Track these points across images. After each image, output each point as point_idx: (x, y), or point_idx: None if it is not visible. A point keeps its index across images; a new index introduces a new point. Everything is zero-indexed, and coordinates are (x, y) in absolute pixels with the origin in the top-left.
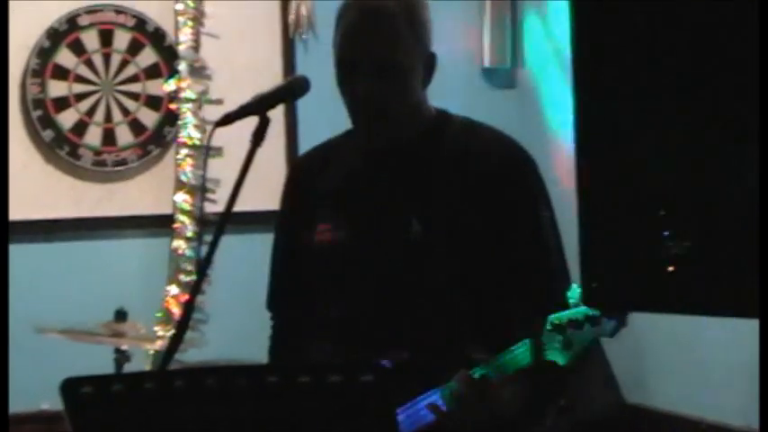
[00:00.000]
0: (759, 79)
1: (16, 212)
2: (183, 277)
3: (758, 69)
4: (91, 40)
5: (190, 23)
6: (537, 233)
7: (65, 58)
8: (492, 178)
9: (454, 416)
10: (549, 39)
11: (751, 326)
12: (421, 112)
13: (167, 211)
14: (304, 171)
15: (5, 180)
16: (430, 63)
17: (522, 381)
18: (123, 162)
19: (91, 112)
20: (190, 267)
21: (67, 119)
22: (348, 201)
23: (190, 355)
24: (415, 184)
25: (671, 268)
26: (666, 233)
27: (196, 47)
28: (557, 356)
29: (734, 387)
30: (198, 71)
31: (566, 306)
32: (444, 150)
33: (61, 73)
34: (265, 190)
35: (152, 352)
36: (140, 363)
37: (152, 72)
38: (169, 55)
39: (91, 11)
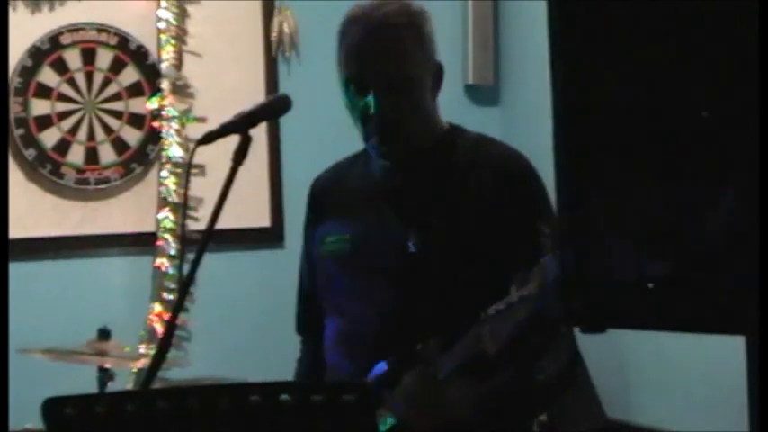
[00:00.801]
0: (759, 81)
1: None
2: (166, 295)
3: (757, 73)
4: (73, 58)
5: (172, 42)
6: (535, 249)
7: (47, 76)
8: (496, 192)
9: (408, 417)
10: (533, 56)
11: (736, 342)
12: (432, 124)
13: (150, 229)
14: (318, 192)
15: (5, 200)
16: (437, 74)
17: (470, 381)
18: (106, 180)
19: (73, 130)
20: (173, 285)
21: (50, 137)
22: (354, 213)
23: (173, 374)
24: (419, 196)
25: (652, 285)
26: (649, 249)
27: (179, 65)
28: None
29: (719, 403)
30: (181, 89)
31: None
32: (453, 164)
33: (43, 92)
34: (248, 208)
35: (135, 370)
36: (124, 381)
37: (135, 90)
38: (152, 73)
39: (73, 29)
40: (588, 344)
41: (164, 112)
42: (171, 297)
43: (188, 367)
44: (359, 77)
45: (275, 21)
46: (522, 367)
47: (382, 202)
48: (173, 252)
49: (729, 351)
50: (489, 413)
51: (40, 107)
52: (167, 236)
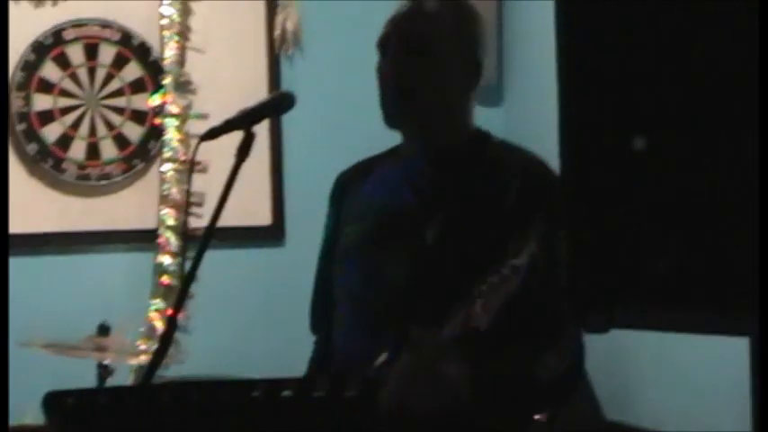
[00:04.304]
0: (759, 80)
1: None
2: (166, 292)
3: (756, 71)
4: (76, 53)
5: (175, 38)
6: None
7: (50, 71)
8: (517, 198)
9: (403, 401)
10: (537, 56)
11: (739, 343)
12: (460, 119)
13: (151, 225)
14: (342, 185)
15: (5, 197)
16: (473, 72)
17: (465, 362)
18: (107, 176)
19: (75, 125)
20: (174, 282)
21: (52, 132)
22: (376, 205)
23: (172, 371)
24: (442, 193)
25: (655, 285)
26: (651, 250)
27: (181, 61)
28: None
29: (721, 402)
30: (183, 86)
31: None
32: (478, 164)
33: (46, 86)
34: (249, 206)
35: (135, 366)
36: (123, 377)
37: (137, 86)
38: (154, 69)
39: (76, 25)
40: (588, 343)
41: (166, 109)
42: (171, 294)
43: (186, 364)
44: (382, 40)
45: (278, 18)
46: (521, 357)
47: (403, 196)
48: (174, 249)
49: (733, 352)
50: (486, 400)
51: (42, 102)
52: (168, 232)
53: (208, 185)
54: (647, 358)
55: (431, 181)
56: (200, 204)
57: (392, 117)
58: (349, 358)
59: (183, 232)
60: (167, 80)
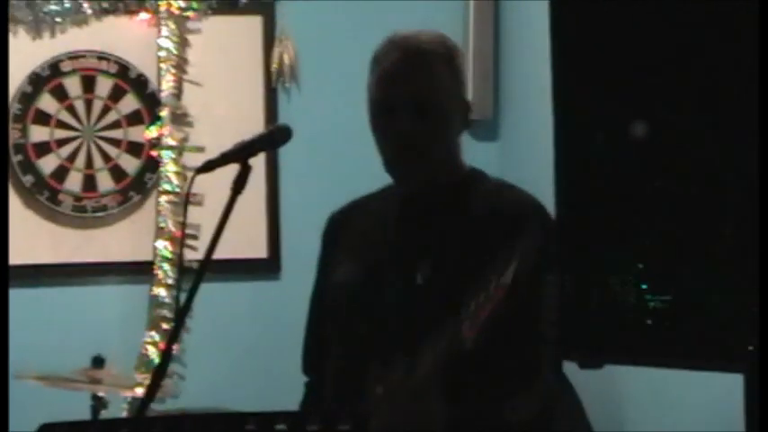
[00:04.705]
0: (759, 82)
1: None
2: (162, 324)
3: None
4: (73, 85)
5: (172, 70)
6: (537, 297)
7: (47, 103)
8: (509, 238)
9: (387, 425)
10: (533, 91)
11: (735, 379)
12: (455, 160)
13: (147, 257)
14: (334, 225)
15: (5, 224)
16: (465, 111)
17: (446, 391)
18: (103, 208)
19: (72, 157)
20: (170, 315)
21: (48, 164)
22: (368, 243)
23: (167, 404)
24: (433, 231)
25: (649, 321)
26: (645, 286)
27: (178, 94)
28: None
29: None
30: (180, 118)
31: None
32: (471, 204)
33: (43, 118)
34: (245, 239)
35: (129, 399)
36: (117, 410)
37: (134, 119)
38: (151, 102)
39: (74, 57)
40: (583, 378)
41: (162, 141)
42: (167, 326)
43: (180, 397)
44: (387, 99)
45: (275, 51)
46: (494, 399)
47: (396, 234)
48: (170, 281)
49: (728, 388)
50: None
51: (38, 134)
52: (165, 265)
53: (204, 218)
54: (643, 393)
55: (420, 221)
56: (195, 237)
57: (404, 172)
58: (341, 388)
59: (179, 265)
60: (164, 112)
